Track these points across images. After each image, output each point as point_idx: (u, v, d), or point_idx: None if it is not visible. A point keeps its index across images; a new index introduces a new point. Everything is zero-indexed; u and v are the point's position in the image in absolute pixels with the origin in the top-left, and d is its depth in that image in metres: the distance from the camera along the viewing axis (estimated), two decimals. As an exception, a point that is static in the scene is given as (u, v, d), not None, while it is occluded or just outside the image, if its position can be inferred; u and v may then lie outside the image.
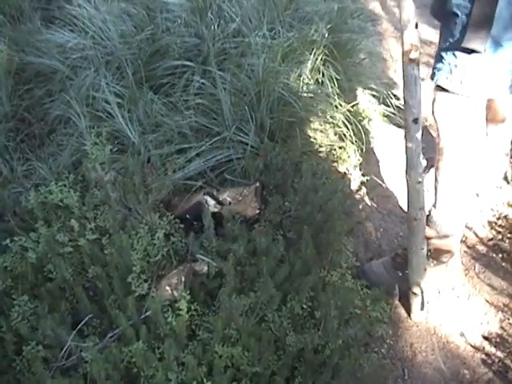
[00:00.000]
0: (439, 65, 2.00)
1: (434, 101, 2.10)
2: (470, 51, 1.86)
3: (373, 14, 4.57)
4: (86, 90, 3.03)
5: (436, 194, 2.28)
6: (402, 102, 3.48)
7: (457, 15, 1.87)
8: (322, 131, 3.06)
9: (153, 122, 2.86)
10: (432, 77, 2.05)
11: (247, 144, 2.72)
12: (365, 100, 3.43)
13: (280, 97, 2.87)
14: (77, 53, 3.25)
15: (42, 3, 4.09)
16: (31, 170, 2.77)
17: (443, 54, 1.98)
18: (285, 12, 3.37)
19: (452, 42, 1.92)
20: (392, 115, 3.48)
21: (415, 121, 1.86)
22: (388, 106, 3.47)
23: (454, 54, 1.92)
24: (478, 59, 1.87)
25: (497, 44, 1.82)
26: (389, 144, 3.34)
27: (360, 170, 3.10)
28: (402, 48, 1.77)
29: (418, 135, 1.88)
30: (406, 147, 1.93)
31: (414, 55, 1.76)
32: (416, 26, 1.73)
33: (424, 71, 2.16)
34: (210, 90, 2.92)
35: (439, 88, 2.03)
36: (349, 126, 3.08)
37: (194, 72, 3.06)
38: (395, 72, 4.01)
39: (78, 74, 3.14)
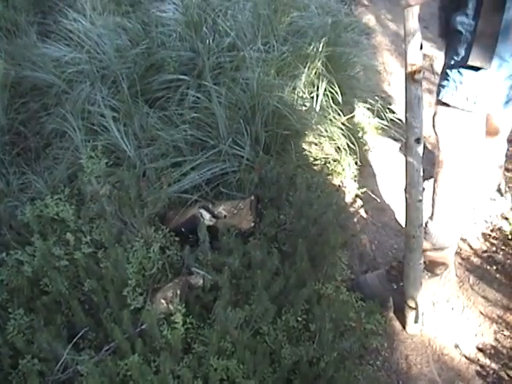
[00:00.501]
0: (444, 82, 2.04)
1: (435, 115, 2.14)
2: (476, 68, 1.90)
3: (367, 27, 4.61)
4: (81, 103, 3.06)
5: (433, 207, 2.30)
6: (396, 115, 3.54)
7: (461, 33, 1.91)
8: (316, 144, 3.08)
9: (148, 135, 2.88)
10: (437, 93, 2.08)
11: (242, 157, 2.74)
12: (359, 113, 3.46)
13: (275, 110, 2.89)
14: (72, 67, 3.29)
15: (38, 17, 4.13)
16: (27, 184, 2.78)
17: (448, 71, 2.01)
18: (279, 26, 3.40)
19: (457, 60, 1.96)
20: (387, 128, 3.50)
21: (417, 140, 1.89)
22: (382, 119, 3.50)
23: (459, 72, 1.96)
24: (483, 75, 1.91)
25: (501, 59, 1.87)
26: (384, 157, 3.36)
27: (355, 182, 3.12)
28: (406, 69, 1.81)
29: (420, 154, 1.92)
30: (407, 165, 1.96)
31: (417, 76, 1.80)
32: (421, 48, 1.77)
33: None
34: (205, 104, 2.94)
35: (441, 103, 2.07)
36: (344, 139, 3.11)
37: (189, 86, 3.09)
38: (389, 85, 4.05)
39: (74, 88, 3.17)
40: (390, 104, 3.76)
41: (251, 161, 2.75)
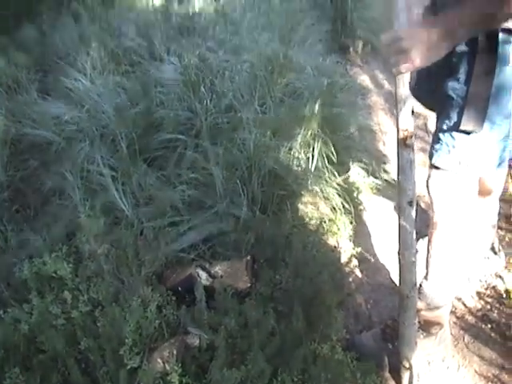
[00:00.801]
0: (437, 146, 2.08)
1: (429, 178, 2.18)
2: (468, 132, 1.94)
3: (362, 87, 4.74)
4: (80, 162, 3.11)
5: (428, 267, 2.34)
6: (390, 175, 3.60)
7: (452, 98, 1.97)
8: (312, 204, 3.13)
9: (146, 194, 2.94)
10: (430, 157, 2.13)
11: (239, 217, 2.79)
12: (354, 173, 3.52)
13: (271, 171, 2.96)
14: (72, 125, 3.37)
15: (39, 75, 4.25)
16: (25, 241, 2.80)
17: (441, 135, 2.06)
18: (276, 87, 3.50)
19: (449, 125, 2.01)
20: (381, 188, 3.57)
21: (410, 203, 1.94)
22: (377, 179, 3.57)
23: (451, 136, 2.01)
24: (475, 139, 1.96)
25: (492, 123, 1.93)
26: (379, 216, 3.42)
27: (350, 242, 3.17)
28: (398, 134, 1.87)
29: (412, 216, 1.96)
30: (400, 227, 1.99)
31: (409, 142, 1.85)
32: (412, 113, 1.85)
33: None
34: (203, 164, 3.01)
35: (435, 166, 2.12)
36: (339, 199, 3.16)
37: (186, 146, 3.17)
38: (384, 145, 4.14)
39: (73, 146, 3.24)
40: (385, 163, 3.83)
41: (248, 220, 2.81)
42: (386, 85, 4.87)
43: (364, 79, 4.92)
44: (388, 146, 4.11)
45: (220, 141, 3.15)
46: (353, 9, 5.23)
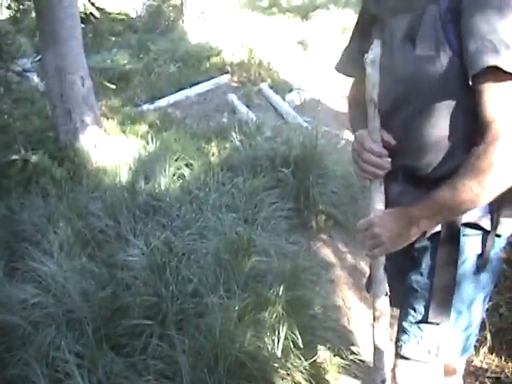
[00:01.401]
0: (404, 337, 2.08)
1: (395, 367, 2.18)
2: (436, 323, 1.99)
3: (325, 262, 4.90)
4: (46, 347, 3.16)
5: None
6: (358, 356, 3.69)
7: (417, 290, 2.04)
8: (279, 389, 3.20)
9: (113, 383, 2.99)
10: (396, 347, 2.14)
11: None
12: (320, 353, 3.61)
13: (237, 358, 3.04)
14: (38, 310, 3.44)
15: (6, 254, 4.36)
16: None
17: (407, 326, 2.07)
18: (240, 270, 3.66)
19: (416, 316, 2.04)
20: (347, 367, 3.64)
21: (382, 382, 2.05)
22: (343, 359, 3.65)
23: (419, 327, 2.03)
24: (443, 329, 2.00)
25: (458, 312, 1.99)
26: (346, 397, 3.48)
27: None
28: (373, 314, 2.01)
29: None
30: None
31: (383, 320, 2.00)
32: (386, 294, 1.99)
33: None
34: (169, 352, 3.09)
35: (401, 356, 2.13)
36: (305, 383, 3.23)
37: (152, 332, 3.25)
38: (349, 321, 4.23)
39: (39, 331, 3.29)
40: (351, 342, 3.92)
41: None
42: (350, 259, 5.05)
43: (327, 254, 5.11)
44: (353, 322, 4.20)
45: (186, 327, 3.24)
46: (314, 184, 5.50)
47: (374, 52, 1.91)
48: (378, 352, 2.04)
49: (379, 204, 1.99)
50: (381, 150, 1.96)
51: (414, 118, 1.90)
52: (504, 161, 1.65)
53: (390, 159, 1.98)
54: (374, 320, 2.03)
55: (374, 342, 2.06)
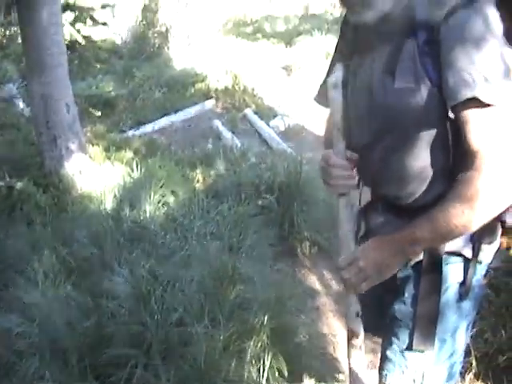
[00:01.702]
0: (389, 366, 2.07)
1: None
2: (420, 351, 1.99)
3: (310, 289, 4.92)
4: (30, 377, 3.15)
5: None
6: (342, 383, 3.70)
7: (400, 320, 2.04)
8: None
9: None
10: (380, 376, 2.14)
11: None
12: (306, 380, 3.59)
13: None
14: (22, 339, 3.43)
15: (-10, 283, 4.34)
16: None
17: (391, 355, 2.07)
18: (225, 299, 3.67)
19: (400, 345, 2.03)
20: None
21: None
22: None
23: (403, 356, 2.02)
24: (427, 357, 1.99)
25: (442, 341, 1.99)
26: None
27: None
28: (348, 336, 2.03)
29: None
30: None
31: (355, 341, 2.01)
32: (357, 315, 2.00)
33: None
34: (154, 382, 3.08)
35: None
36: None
37: (137, 362, 3.24)
38: (335, 348, 4.24)
39: (23, 361, 3.28)
40: (336, 369, 3.90)
41: None
42: (334, 285, 5.07)
43: (312, 281, 5.12)
44: (339, 350, 4.21)
45: (171, 356, 3.24)
46: (299, 211, 5.52)
47: (336, 75, 1.96)
48: (352, 373, 2.05)
49: (348, 222, 2.02)
50: (344, 162, 2.01)
51: (395, 148, 1.92)
52: (490, 188, 1.68)
53: (355, 171, 2.03)
54: (348, 341, 2.05)
55: (348, 363, 2.08)
